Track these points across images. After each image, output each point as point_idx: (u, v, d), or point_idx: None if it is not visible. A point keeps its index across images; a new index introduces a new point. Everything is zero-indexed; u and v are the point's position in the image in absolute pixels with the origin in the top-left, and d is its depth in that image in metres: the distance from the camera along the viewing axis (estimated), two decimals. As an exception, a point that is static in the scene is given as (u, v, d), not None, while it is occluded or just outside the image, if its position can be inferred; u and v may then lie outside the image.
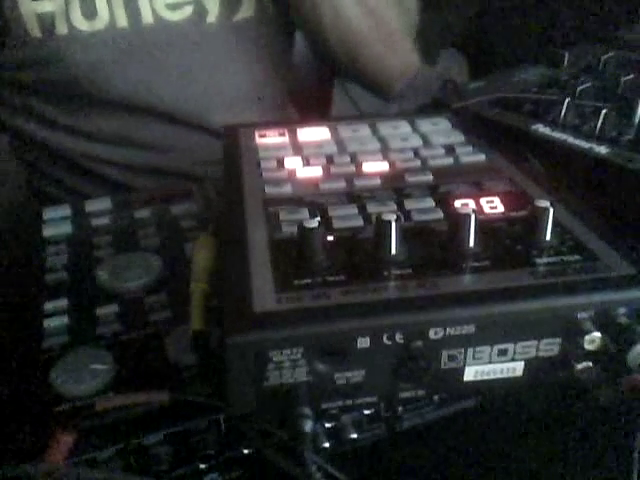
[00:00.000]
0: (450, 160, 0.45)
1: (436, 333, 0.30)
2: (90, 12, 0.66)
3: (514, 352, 0.32)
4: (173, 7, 0.69)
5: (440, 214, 0.38)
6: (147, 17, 0.68)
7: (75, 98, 0.71)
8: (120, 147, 0.75)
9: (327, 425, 0.36)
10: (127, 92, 0.71)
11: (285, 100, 0.86)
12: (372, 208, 0.39)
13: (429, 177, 0.43)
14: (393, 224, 0.32)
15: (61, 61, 0.67)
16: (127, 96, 0.71)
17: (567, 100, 0.50)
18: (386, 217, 0.33)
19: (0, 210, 0.74)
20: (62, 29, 0.66)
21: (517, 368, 0.32)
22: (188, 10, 0.70)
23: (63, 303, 0.42)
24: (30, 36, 0.66)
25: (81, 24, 0.66)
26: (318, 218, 0.37)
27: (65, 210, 0.53)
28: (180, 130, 0.74)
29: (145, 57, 0.70)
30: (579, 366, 0.32)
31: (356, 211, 0.39)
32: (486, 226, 0.35)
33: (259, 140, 0.50)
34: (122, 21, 0.67)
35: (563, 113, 0.50)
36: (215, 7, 0.70)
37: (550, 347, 0.32)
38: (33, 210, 0.53)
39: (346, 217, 0.38)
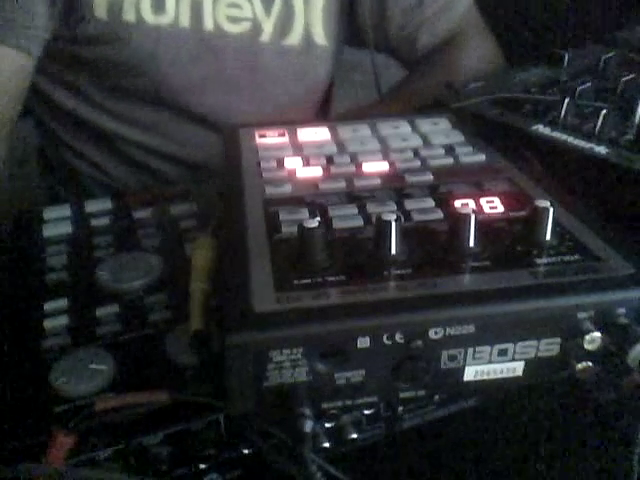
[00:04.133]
0: (450, 160, 0.45)
1: (436, 333, 0.30)
2: (158, 5, 0.69)
3: (514, 352, 0.32)
4: (233, 20, 0.73)
5: (440, 214, 0.38)
6: (208, 24, 0.72)
7: (125, 86, 0.74)
8: (156, 137, 0.78)
9: (327, 425, 0.36)
10: (177, 93, 0.74)
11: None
12: (372, 208, 0.39)
13: (429, 177, 0.43)
14: (393, 224, 0.32)
15: (127, 45, 0.69)
16: (176, 98, 0.75)
17: (567, 100, 0.50)
18: (386, 217, 0.33)
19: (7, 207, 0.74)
20: (129, 16, 0.68)
21: (517, 368, 0.32)
22: (246, 25, 0.74)
23: (63, 303, 0.42)
24: (95, 17, 0.68)
25: (147, 15, 0.69)
26: (318, 218, 0.37)
27: (65, 210, 0.53)
28: (219, 135, 0.78)
29: (201, 62, 0.73)
30: (579, 366, 0.32)
31: (356, 211, 0.39)
32: (486, 226, 0.35)
33: (259, 140, 0.50)
34: (185, 22, 0.71)
35: (563, 113, 0.50)
36: (269, 28, 0.75)
37: (550, 347, 0.32)
38: (33, 210, 0.53)
39: (346, 217, 0.38)
